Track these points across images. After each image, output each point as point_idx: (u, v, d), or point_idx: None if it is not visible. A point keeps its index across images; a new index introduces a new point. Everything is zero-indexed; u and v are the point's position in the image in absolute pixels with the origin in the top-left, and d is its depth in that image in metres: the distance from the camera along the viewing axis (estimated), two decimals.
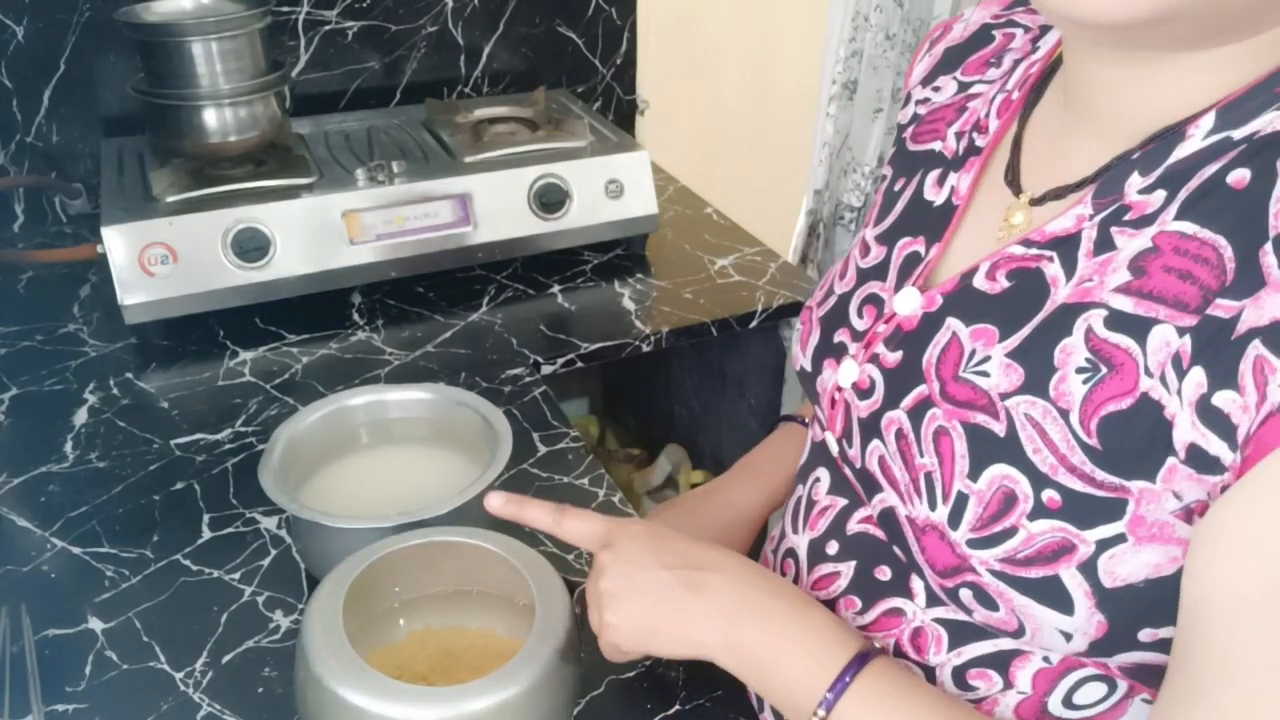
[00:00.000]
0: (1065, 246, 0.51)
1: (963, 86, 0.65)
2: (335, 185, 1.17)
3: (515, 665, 0.60)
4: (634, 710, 0.71)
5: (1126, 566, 0.47)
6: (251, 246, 1.11)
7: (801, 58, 1.73)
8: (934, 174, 0.62)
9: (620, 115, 1.64)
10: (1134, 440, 0.46)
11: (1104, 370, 0.47)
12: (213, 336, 1.13)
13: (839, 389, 0.61)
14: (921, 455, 0.54)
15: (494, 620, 0.72)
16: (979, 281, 0.54)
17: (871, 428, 0.58)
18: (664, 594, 0.56)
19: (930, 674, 0.58)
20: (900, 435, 0.55)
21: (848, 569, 0.61)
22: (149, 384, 1.05)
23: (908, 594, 0.58)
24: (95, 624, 0.77)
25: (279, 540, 0.86)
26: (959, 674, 0.57)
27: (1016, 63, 0.62)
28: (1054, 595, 0.48)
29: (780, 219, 1.81)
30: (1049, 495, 0.48)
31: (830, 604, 0.62)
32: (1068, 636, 0.50)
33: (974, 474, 0.51)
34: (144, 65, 1.14)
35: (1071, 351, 0.49)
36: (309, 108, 1.41)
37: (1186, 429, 0.44)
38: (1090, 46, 0.51)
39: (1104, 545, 0.47)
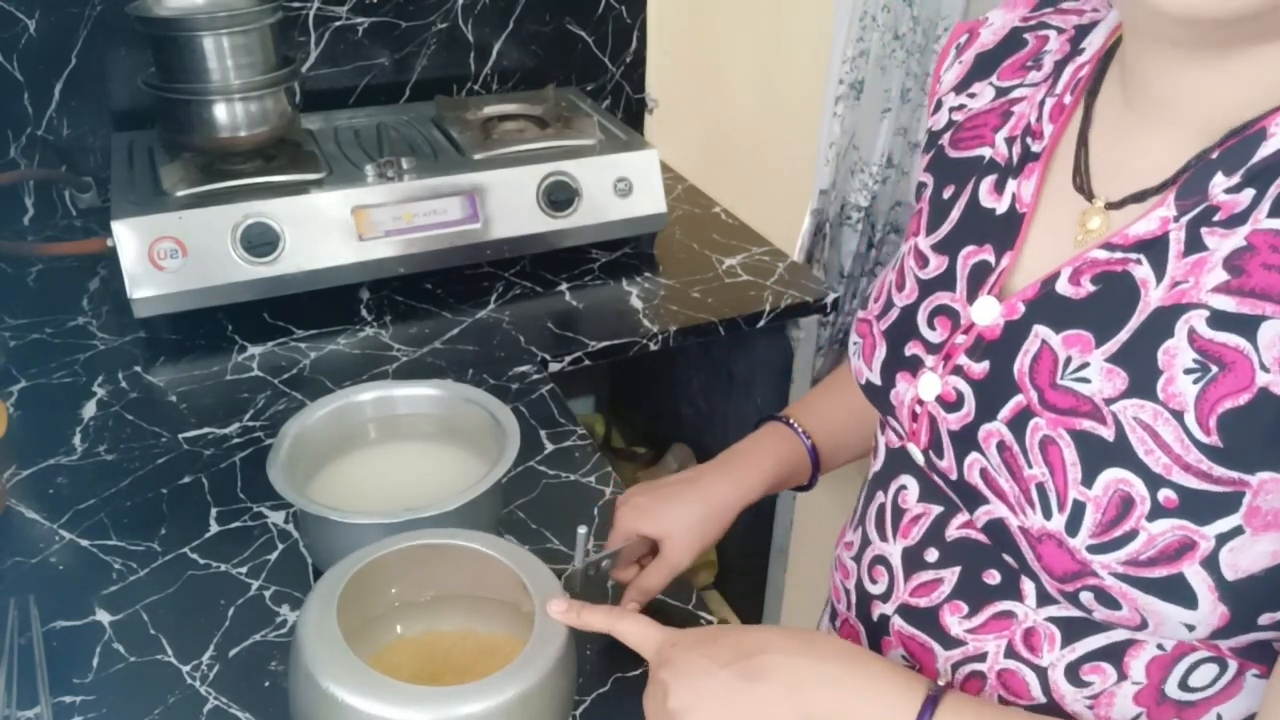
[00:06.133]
0: (1152, 249, 0.52)
1: (1001, 92, 0.65)
2: (344, 181, 1.17)
3: (513, 670, 0.60)
4: (640, 709, 0.71)
5: (1246, 558, 0.48)
6: (261, 241, 1.11)
7: (810, 57, 1.73)
8: (988, 180, 0.62)
9: (629, 114, 1.64)
10: (1258, 433, 0.47)
11: (1215, 369, 0.48)
12: (221, 331, 1.13)
13: (920, 402, 0.61)
14: (1030, 466, 0.54)
15: (490, 623, 0.72)
16: (1062, 287, 0.54)
17: (967, 440, 0.58)
18: (729, 693, 0.58)
19: (1043, 674, 0.58)
20: (1003, 447, 0.55)
21: (951, 575, 0.62)
22: (157, 378, 1.06)
23: (1018, 596, 0.58)
24: (103, 616, 0.77)
25: (286, 535, 0.86)
26: (1072, 670, 0.57)
27: (1058, 65, 0.62)
28: (1178, 592, 0.49)
29: (789, 219, 1.81)
30: (1165, 495, 0.49)
31: (934, 610, 0.63)
32: (1190, 628, 0.51)
33: (1088, 481, 0.51)
34: (155, 59, 1.14)
35: (1175, 353, 0.49)
36: (319, 103, 1.41)
37: None
38: (1159, 44, 0.50)
39: (1223, 539, 0.48)
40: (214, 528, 0.86)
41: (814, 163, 1.78)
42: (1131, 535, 0.50)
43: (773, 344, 1.31)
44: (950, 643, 0.62)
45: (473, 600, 0.72)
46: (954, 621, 0.62)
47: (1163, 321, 0.50)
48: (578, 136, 1.29)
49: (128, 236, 1.07)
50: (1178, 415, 0.49)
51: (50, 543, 0.84)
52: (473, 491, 0.76)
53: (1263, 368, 0.47)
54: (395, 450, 0.87)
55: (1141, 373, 0.50)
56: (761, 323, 1.20)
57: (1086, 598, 0.53)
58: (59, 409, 1.00)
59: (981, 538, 0.60)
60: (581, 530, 0.71)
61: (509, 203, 1.21)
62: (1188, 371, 0.49)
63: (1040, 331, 0.55)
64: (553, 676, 0.61)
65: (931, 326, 0.62)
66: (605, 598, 0.81)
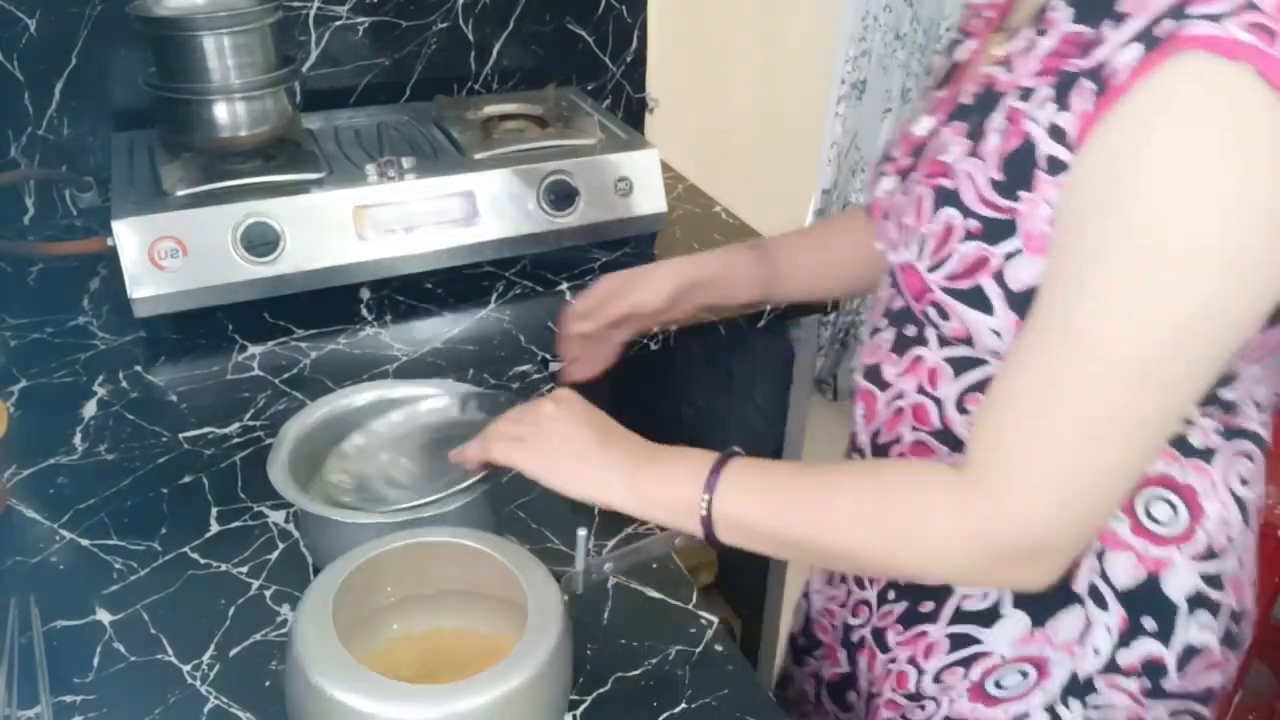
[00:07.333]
0: (1011, 61, 0.67)
1: None
2: (345, 180, 1.17)
3: (507, 666, 0.60)
4: (640, 709, 0.71)
5: (1025, 273, 0.63)
6: (261, 241, 1.11)
7: (811, 57, 1.73)
8: (965, 44, 0.78)
9: (630, 113, 1.64)
10: (1021, 165, 0.62)
11: (1008, 126, 0.64)
12: (221, 330, 1.13)
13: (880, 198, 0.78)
14: (905, 215, 0.71)
15: (488, 621, 0.72)
16: (963, 96, 0.71)
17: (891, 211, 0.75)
18: (584, 444, 0.71)
19: (940, 404, 0.73)
20: (900, 209, 0.73)
21: (890, 335, 0.77)
22: (158, 377, 1.06)
23: (925, 343, 0.74)
24: (103, 616, 0.77)
25: (286, 534, 0.86)
26: (959, 401, 0.72)
27: None
28: (979, 300, 0.65)
29: (789, 218, 1.81)
30: (971, 224, 0.65)
31: (877, 365, 0.78)
32: (997, 334, 0.66)
33: (933, 219, 0.68)
34: (155, 59, 1.14)
35: (994, 121, 0.65)
36: (319, 103, 1.41)
37: (1045, 145, 0.61)
38: None
39: (1008, 256, 0.63)
40: (214, 527, 0.86)
41: (815, 163, 1.78)
42: (949, 255, 0.66)
43: (773, 344, 1.31)
44: (885, 386, 0.77)
45: (474, 598, 0.72)
46: (889, 370, 0.77)
47: (997, 102, 0.66)
48: (578, 136, 1.29)
49: (128, 236, 1.07)
50: (984, 162, 0.65)
51: (50, 542, 0.84)
52: (473, 491, 0.76)
53: (1033, 120, 0.62)
54: None
55: (976, 139, 0.66)
56: (761, 323, 1.20)
57: (932, 313, 0.69)
58: (59, 409, 1.00)
59: (902, 301, 0.75)
60: (581, 532, 0.71)
61: (509, 202, 1.21)
62: (996, 130, 0.65)
63: (941, 129, 0.71)
64: (544, 675, 0.61)
65: (897, 148, 0.80)
66: (606, 598, 0.81)
